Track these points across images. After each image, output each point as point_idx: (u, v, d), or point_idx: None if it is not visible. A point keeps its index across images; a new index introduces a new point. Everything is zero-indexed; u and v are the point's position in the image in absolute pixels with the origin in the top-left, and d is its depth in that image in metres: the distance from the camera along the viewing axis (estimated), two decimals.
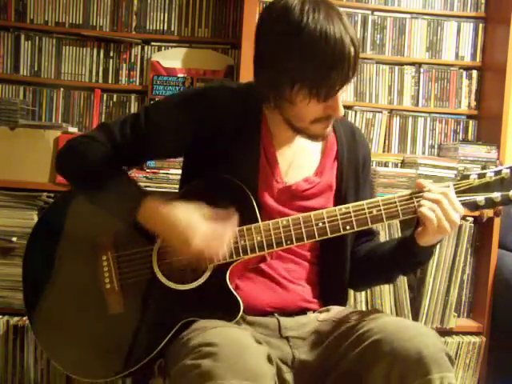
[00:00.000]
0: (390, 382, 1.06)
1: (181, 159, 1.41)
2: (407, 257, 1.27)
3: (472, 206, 1.19)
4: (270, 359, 1.07)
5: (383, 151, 2.37)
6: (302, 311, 1.30)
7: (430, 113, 2.38)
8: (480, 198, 1.18)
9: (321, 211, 1.20)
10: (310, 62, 1.10)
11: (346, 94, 2.09)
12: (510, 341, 2.06)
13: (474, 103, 2.39)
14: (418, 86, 2.38)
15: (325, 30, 1.09)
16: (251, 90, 1.32)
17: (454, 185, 1.19)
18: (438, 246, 2.08)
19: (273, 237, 1.20)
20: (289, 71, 1.13)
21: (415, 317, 2.13)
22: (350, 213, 1.19)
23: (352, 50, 1.11)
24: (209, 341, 1.02)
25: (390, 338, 1.08)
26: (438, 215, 1.15)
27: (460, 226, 2.13)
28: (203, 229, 1.14)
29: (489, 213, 2.11)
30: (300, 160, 1.32)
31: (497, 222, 2.15)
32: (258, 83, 1.23)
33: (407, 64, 2.37)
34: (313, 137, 1.25)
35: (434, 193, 1.17)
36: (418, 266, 1.34)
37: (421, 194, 1.19)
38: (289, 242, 1.20)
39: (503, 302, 2.12)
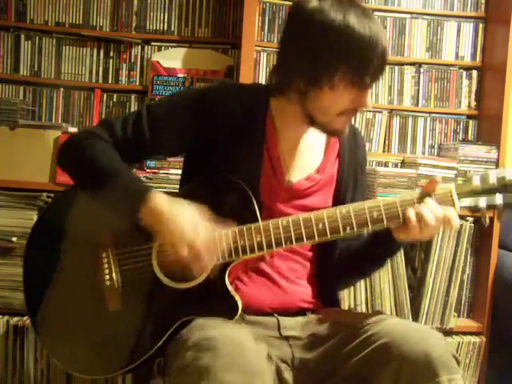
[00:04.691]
0: None
1: (181, 159, 1.41)
2: (379, 247, 1.28)
3: (474, 210, 1.18)
4: (269, 357, 1.07)
5: (383, 151, 2.37)
6: (302, 312, 1.30)
7: (430, 113, 2.38)
8: (482, 201, 1.17)
9: (321, 212, 1.19)
10: (355, 51, 1.15)
11: None
12: (510, 341, 2.06)
13: (474, 103, 2.39)
14: (418, 86, 2.38)
15: (367, 24, 1.16)
16: (257, 90, 1.32)
17: (456, 188, 1.18)
18: (438, 246, 2.11)
19: (272, 237, 1.19)
20: (332, 60, 1.16)
21: (415, 317, 2.13)
22: (350, 214, 1.18)
23: (385, 45, 1.18)
24: (209, 336, 1.02)
25: (397, 342, 1.08)
26: (422, 228, 1.14)
27: (460, 226, 2.13)
28: (204, 232, 1.14)
29: (490, 215, 2.11)
30: (303, 159, 1.32)
31: (497, 221, 2.15)
32: (288, 74, 1.24)
33: (407, 64, 2.37)
34: (333, 132, 1.27)
35: (428, 208, 1.14)
36: (388, 256, 1.35)
37: (423, 199, 1.17)
38: (288, 243, 1.19)
39: (503, 302, 2.12)
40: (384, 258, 1.36)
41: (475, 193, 1.18)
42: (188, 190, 1.28)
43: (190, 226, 1.13)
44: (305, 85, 1.20)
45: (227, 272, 1.21)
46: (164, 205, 1.16)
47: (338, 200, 1.34)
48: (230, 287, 1.21)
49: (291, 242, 1.19)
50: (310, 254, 1.34)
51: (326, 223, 1.18)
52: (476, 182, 1.18)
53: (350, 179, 1.37)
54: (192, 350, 1.02)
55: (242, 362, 0.98)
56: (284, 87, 1.26)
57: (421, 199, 1.17)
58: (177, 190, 1.67)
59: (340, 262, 1.36)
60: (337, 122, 1.23)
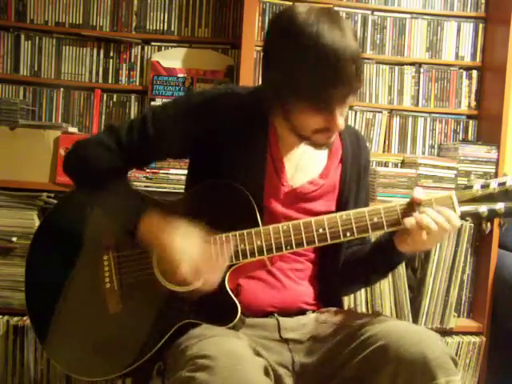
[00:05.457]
0: None
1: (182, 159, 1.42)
2: (383, 259, 1.28)
3: (475, 216, 1.18)
4: (266, 371, 1.06)
5: (383, 151, 2.37)
6: (302, 312, 1.30)
7: (430, 113, 2.38)
8: (483, 208, 1.17)
9: (321, 217, 1.19)
10: (309, 76, 1.09)
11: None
12: (510, 341, 2.06)
13: (473, 103, 2.39)
14: (418, 86, 2.38)
15: (324, 47, 1.07)
16: (258, 95, 1.32)
17: (457, 194, 1.18)
18: (438, 247, 2.11)
19: (273, 241, 1.19)
20: (290, 84, 1.13)
21: (415, 317, 2.13)
22: (350, 219, 1.18)
23: (351, 68, 1.09)
24: (205, 352, 1.02)
25: (395, 344, 1.08)
26: (425, 235, 1.14)
27: (460, 226, 2.13)
28: (195, 257, 1.15)
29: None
30: (306, 163, 1.32)
31: (496, 221, 2.14)
32: (264, 93, 1.24)
33: (407, 64, 2.37)
34: (316, 145, 1.24)
35: (428, 214, 1.14)
36: (393, 267, 1.35)
37: (423, 204, 1.17)
38: (288, 247, 1.19)
39: (503, 302, 2.12)
40: (387, 270, 1.36)
41: (476, 200, 1.18)
42: (189, 197, 1.28)
43: (187, 245, 1.15)
44: (278, 106, 1.20)
45: (227, 276, 1.20)
46: (162, 221, 1.18)
47: (342, 204, 1.33)
48: (229, 291, 1.20)
49: (291, 247, 1.19)
50: (313, 255, 1.33)
51: (327, 228, 1.18)
52: (477, 189, 1.18)
53: (353, 183, 1.36)
54: (189, 366, 1.01)
55: (237, 379, 0.97)
56: (267, 104, 1.25)
57: (419, 206, 1.17)
58: (176, 190, 1.68)
59: (344, 269, 1.35)
60: (315, 138, 1.21)
